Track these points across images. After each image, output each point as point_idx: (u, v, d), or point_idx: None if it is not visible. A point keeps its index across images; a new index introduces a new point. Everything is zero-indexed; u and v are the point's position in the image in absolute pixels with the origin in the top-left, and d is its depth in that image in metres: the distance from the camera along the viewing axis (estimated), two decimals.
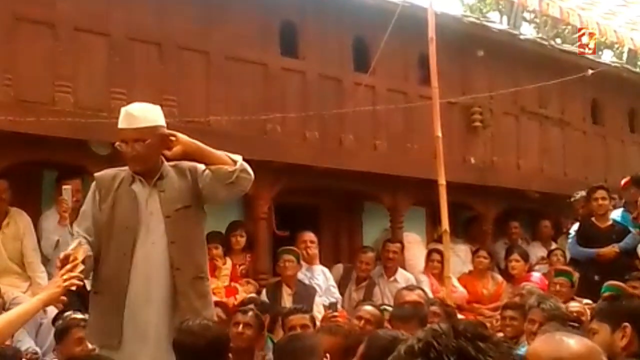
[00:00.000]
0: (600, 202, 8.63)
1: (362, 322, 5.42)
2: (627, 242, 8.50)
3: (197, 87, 7.54)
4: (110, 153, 6.55)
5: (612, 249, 8.37)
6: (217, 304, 5.25)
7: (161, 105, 4.55)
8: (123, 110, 4.29)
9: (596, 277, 7.15)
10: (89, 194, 4.37)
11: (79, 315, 5.36)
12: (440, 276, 8.24)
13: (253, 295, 7.22)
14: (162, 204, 4.29)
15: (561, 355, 2.44)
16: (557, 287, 7.69)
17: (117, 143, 4.25)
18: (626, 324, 3.31)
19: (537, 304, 6.00)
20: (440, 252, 8.27)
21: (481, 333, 1.37)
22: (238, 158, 4.30)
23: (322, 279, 8.00)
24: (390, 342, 3.21)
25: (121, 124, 4.24)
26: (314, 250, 8.15)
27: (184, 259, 4.29)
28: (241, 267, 7.80)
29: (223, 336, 3.73)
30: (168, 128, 4.31)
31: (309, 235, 8.21)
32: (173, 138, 4.22)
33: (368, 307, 5.81)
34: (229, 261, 7.63)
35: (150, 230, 4.26)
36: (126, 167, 4.35)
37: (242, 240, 7.87)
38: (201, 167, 4.35)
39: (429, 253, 9.05)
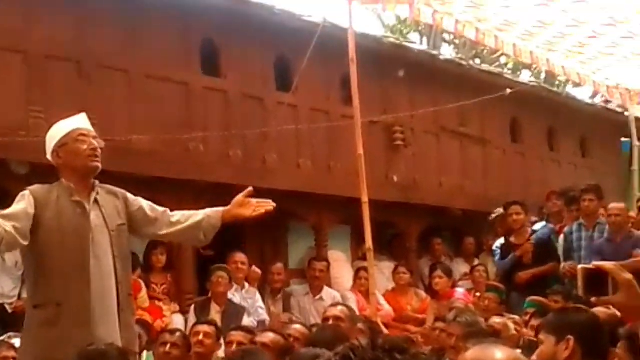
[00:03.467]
0: (515, 217, 8.83)
1: (292, 340, 5.39)
2: (539, 234, 8.82)
3: (118, 106, 7.44)
4: (29, 172, 6.43)
5: (527, 245, 8.60)
6: (138, 322, 5.21)
7: None
8: (73, 118, 4.41)
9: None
10: (22, 201, 4.17)
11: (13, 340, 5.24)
12: (367, 293, 8.24)
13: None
14: (106, 217, 4.29)
15: (480, 358, 2.53)
16: (487, 302, 7.82)
17: (76, 137, 4.27)
18: (570, 336, 3.33)
19: (454, 318, 6.13)
20: (367, 270, 8.28)
21: (399, 345, 1.38)
22: None
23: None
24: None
25: (78, 125, 4.35)
26: (245, 271, 8.11)
27: (124, 274, 4.35)
28: (163, 287, 7.70)
29: None
30: None
31: (240, 257, 8.15)
32: None
33: (297, 326, 5.79)
34: (142, 284, 7.53)
35: (96, 243, 4.23)
36: (54, 184, 4.31)
37: (163, 259, 7.78)
38: (130, 195, 4.50)
39: (357, 271, 9.06)
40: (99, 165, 4.31)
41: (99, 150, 4.33)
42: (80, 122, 4.40)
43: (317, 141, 9.12)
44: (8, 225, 3.94)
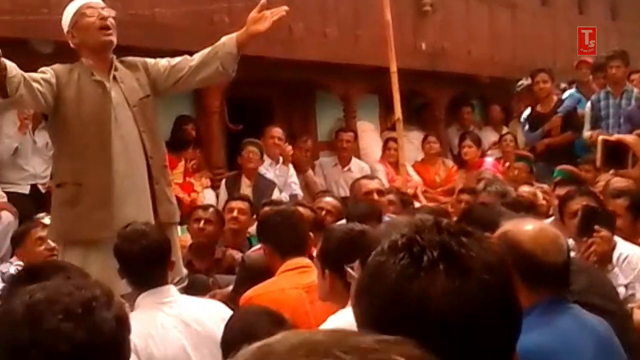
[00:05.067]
0: (542, 85, 8.73)
1: (324, 212, 5.41)
2: (566, 105, 8.71)
3: None
4: (53, 51, 6.35)
5: (555, 119, 8.52)
6: None
7: (102, 0, 4.45)
8: None
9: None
10: (43, 73, 4.16)
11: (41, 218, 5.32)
12: (397, 164, 8.23)
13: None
14: (126, 94, 4.30)
15: (508, 228, 2.64)
16: (516, 172, 7.79)
17: (83, 12, 4.23)
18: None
19: (484, 188, 6.14)
20: (397, 140, 8.23)
21: (464, 228, 1.37)
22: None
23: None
24: (346, 234, 3.19)
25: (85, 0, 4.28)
26: (281, 147, 7.97)
27: (154, 147, 4.39)
28: (192, 162, 7.71)
29: (160, 242, 3.58)
30: None
31: (277, 132, 8.03)
32: None
33: (328, 199, 5.81)
34: (183, 160, 7.54)
35: (119, 122, 4.26)
36: (74, 64, 4.30)
37: (193, 134, 7.79)
38: (150, 60, 4.47)
39: (386, 142, 9.05)
40: (112, 39, 4.28)
41: (111, 20, 4.28)
42: None
43: (343, 9, 8.92)
44: (33, 83, 3.97)
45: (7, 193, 6.39)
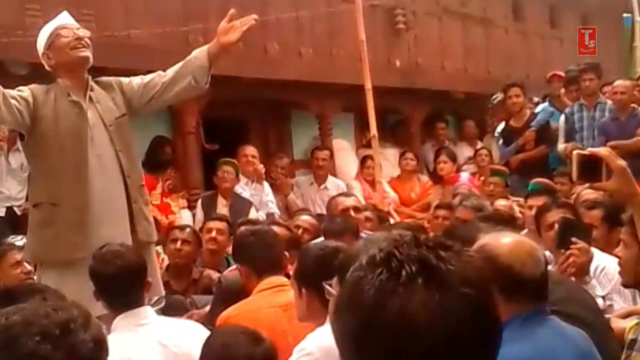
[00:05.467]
0: (514, 99, 8.80)
1: (300, 231, 5.42)
2: (539, 119, 8.77)
3: (114, 0, 7.28)
4: (28, 72, 6.34)
5: (529, 133, 8.59)
6: None
7: (78, 21, 4.47)
8: (55, 19, 4.36)
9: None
10: (21, 90, 4.17)
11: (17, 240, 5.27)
12: (373, 182, 8.24)
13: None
14: (102, 114, 4.30)
15: (486, 241, 2.67)
16: (492, 187, 7.83)
17: (58, 33, 4.25)
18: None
19: (460, 202, 6.17)
20: (373, 158, 8.25)
21: (443, 242, 1.36)
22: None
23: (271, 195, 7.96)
24: (321, 251, 3.19)
25: (59, 22, 4.31)
26: (256, 164, 7.96)
27: (131, 166, 4.38)
28: (168, 183, 7.69)
29: (136, 262, 3.56)
30: None
31: (250, 150, 8.02)
32: None
33: (305, 217, 5.81)
34: (160, 182, 7.53)
35: (95, 142, 4.25)
36: (51, 85, 4.31)
37: (170, 155, 7.78)
38: (125, 79, 4.47)
39: (363, 159, 9.07)
40: (87, 54, 4.28)
41: (86, 40, 4.28)
42: (61, 19, 4.37)
43: (318, 28, 8.96)
44: (11, 100, 3.98)
45: None
